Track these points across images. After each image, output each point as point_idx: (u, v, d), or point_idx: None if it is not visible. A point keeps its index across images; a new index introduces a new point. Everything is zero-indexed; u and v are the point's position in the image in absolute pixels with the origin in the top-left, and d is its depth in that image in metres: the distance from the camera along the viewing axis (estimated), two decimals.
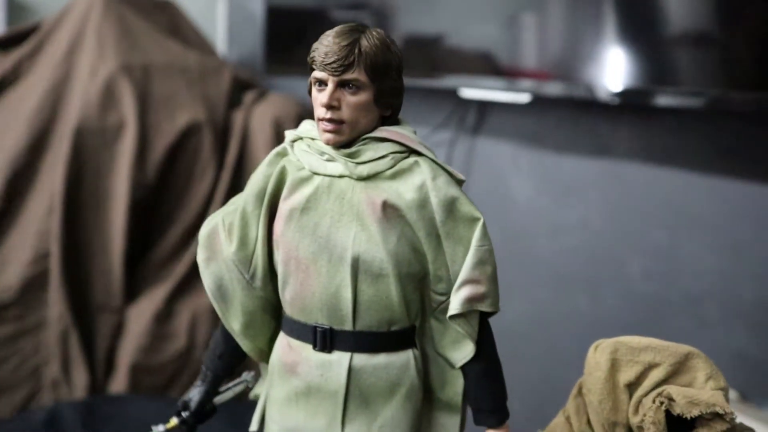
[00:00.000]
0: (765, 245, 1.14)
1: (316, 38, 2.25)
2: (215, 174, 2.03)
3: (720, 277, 1.21)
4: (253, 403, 0.56)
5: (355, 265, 0.46)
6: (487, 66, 1.55)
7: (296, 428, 0.49)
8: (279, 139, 2.08)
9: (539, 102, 1.41)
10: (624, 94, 1.21)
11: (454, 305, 0.47)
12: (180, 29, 2.27)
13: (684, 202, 1.27)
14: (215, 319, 1.86)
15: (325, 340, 0.47)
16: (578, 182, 1.45)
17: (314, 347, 0.48)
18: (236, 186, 2.05)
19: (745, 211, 1.17)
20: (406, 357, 0.49)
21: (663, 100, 1.18)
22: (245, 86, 2.25)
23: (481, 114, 1.70)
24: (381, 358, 0.48)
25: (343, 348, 0.48)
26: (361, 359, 0.47)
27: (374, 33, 0.47)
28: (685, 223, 1.27)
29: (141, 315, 1.83)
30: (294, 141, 0.50)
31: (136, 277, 1.92)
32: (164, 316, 1.84)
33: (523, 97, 1.38)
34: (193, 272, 1.93)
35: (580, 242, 1.47)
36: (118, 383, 1.78)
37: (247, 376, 0.56)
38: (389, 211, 0.46)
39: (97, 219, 1.87)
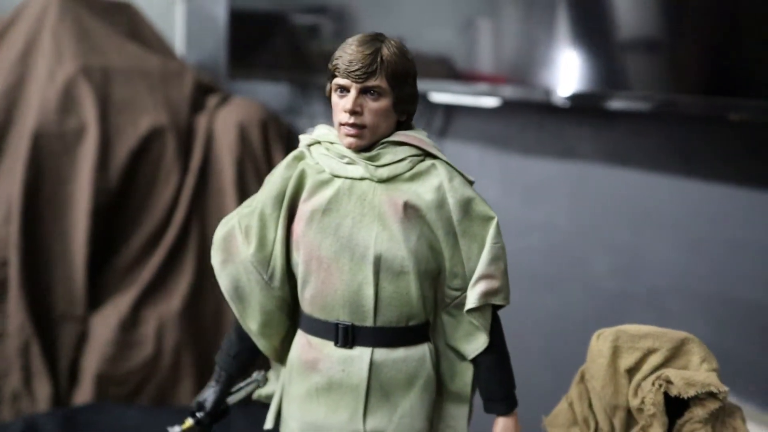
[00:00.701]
0: (722, 241, 1.21)
1: (278, 42, 2.26)
2: (179, 178, 2.00)
3: (680, 272, 1.28)
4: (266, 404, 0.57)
5: (377, 263, 0.48)
6: (445, 70, 1.58)
7: (316, 423, 0.50)
8: (244, 142, 2.08)
9: (505, 106, 1.45)
10: (577, 98, 1.25)
11: (471, 299, 0.49)
12: (139, 32, 2.23)
13: (645, 201, 1.33)
14: (183, 326, 1.85)
15: (347, 336, 0.49)
16: (544, 184, 1.50)
17: (336, 343, 0.49)
18: (201, 190, 2.04)
19: (702, 208, 1.24)
20: (423, 350, 0.51)
21: (615, 103, 1.23)
22: (207, 90, 2.23)
23: (448, 117, 1.73)
24: (400, 352, 0.50)
25: (365, 343, 0.49)
26: (382, 354, 0.49)
27: (392, 42, 0.49)
28: (646, 222, 1.33)
29: (106, 323, 1.79)
30: (310, 145, 0.51)
31: (100, 284, 1.88)
32: (130, 323, 1.80)
33: (492, 102, 1.42)
34: (159, 278, 1.90)
35: (547, 241, 1.52)
36: (83, 394, 1.73)
37: (257, 375, 0.56)
38: (410, 211, 0.48)
39: (58, 226, 1.82)
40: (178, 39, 2.84)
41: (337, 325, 0.49)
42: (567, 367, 1.17)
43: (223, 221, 0.53)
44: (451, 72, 1.55)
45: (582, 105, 1.28)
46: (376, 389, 0.49)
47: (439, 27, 1.64)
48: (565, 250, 1.48)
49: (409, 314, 0.50)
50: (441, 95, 1.59)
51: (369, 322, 0.49)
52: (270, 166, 2.16)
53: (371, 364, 0.49)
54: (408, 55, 0.49)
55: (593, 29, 1.28)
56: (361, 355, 0.49)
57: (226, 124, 2.09)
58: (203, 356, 1.92)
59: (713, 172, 1.22)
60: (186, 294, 1.90)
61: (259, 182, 2.18)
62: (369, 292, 0.48)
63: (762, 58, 1.05)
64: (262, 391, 0.58)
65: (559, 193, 1.48)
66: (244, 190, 2.09)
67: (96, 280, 1.87)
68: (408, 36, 1.73)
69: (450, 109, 1.71)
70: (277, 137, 2.17)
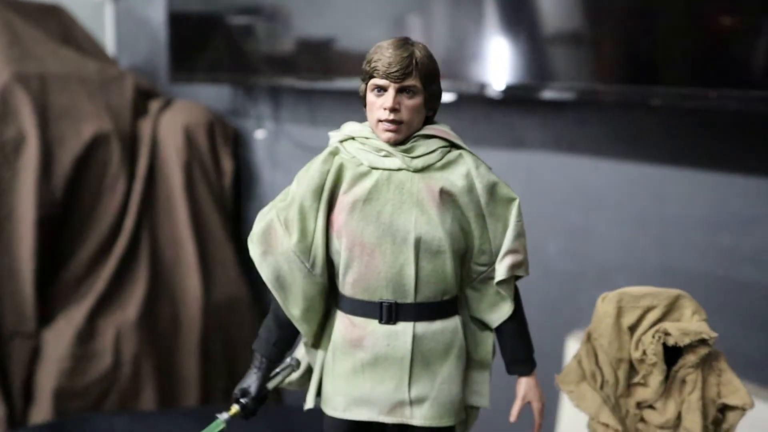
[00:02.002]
0: (663, 218, 1.32)
1: (218, 43, 2.23)
2: (126, 185, 1.96)
3: (627, 250, 1.38)
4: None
5: (417, 245, 0.52)
6: None
7: (363, 396, 0.54)
8: (191, 146, 2.06)
9: (458, 99, 1.52)
10: (510, 90, 1.33)
11: (500, 272, 0.54)
12: (73, 36, 2.16)
13: (591, 185, 1.43)
14: (140, 334, 1.82)
15: (391, 313, 0.53)
16: (496, 173, 1.58)
17: (380, 321, 0.53)
18: (149, 196, 2.00)
19: (644, 189, 1.34)
20: (455, 322, 0.56)
21: (546, 94, 1.32)
22: (148, 95, 2.19)
23: None
24: (437, 325, 0.54)
25: (407, 318, 0.54)
26: (422, 327, 0.54)
27: (421, 45, 0.54)
28: (594, 204, 1.43)
29: (60, 337, 1.74)
30: (343, 141, 0.55)
31: (49, 298, 1.82)
32: (86, 335, 1.76)
33: (449, 97, 1.49)
34: (113, 287, 1.86)
35: None
36: (41, 411, 1.68)
37: (291, 361, 0.59)
38: (445, 196, 0.53)
39: (2, 240, 1.75)
40: (108, 42, 2.76)
41: (381, 303, 0.53)
42: (534, 344, 1.25)
43: (260, 215, 0.56)
44: None
45: (515, 96, 1.35)
46: (419, 360, 0.53)
47: (370, 25, 1.68)
48: None
49: (444, 290, 0.55)
50: None
51: (410, 299, 0.53)
52: (218, 168, 2.15)
53: (414, 336, 0.53)
54: (433, 58, 0.54)
55: (521, 24, 1.35)
56: (405, 329, 0.53)
57: (171, 128, 2.06)
58: (163, 363, 1.90)
59: (651, 155, 1.32)
60: (141, 302, 1.87)
61: (208, 185, 2.16)
62: (410, 271, 0.53)
63: (674, 50, 1.15)
64: (293, 377, 0.61)
65: (511, 181, 1.55)
66: (193, 193, 2.07)
67: (45, 294, 1.81)
68: (340, 35, 1.76)
69: None
70: (223, 140, 2.16)
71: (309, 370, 0.61)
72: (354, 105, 2.10)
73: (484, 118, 1.58)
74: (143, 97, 2.14)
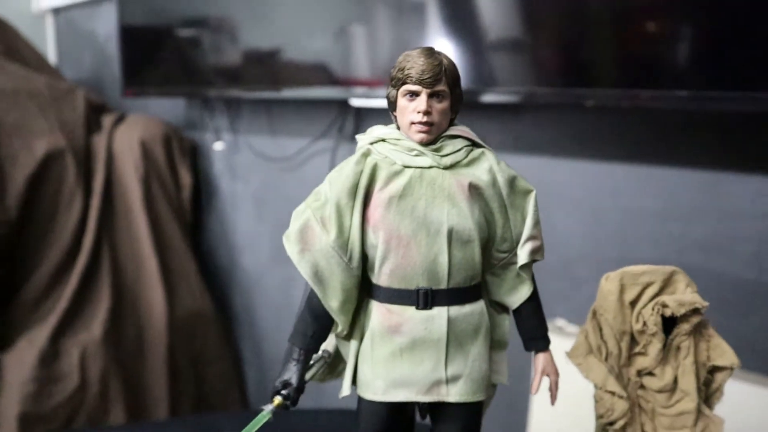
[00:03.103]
0: (619, 211, 1.42)
1: (169, 56, 2.23)
2: (83, 202, 1.93)
3: (586, 242, 1.47)
4: None
5: (450, 236, 0.57)
6: (324, 76, 1.66)
7: (402, 378, 0.58)
8: (148, 160, 2.04)
9: None
10: None
11: (522, 257, 0.60)
12: (17, 50, 2.11)
13: (550, 182, 1.51)
14: (106, 352, 1.79)
15: (427, 299, 0.58)
16: None
17: (417, 307, 0.57)
18: (108, 212, 1.97)
19: (600, 185, 1.44)
20: (482, 305, 0.61)
21: (487, 97, 1.39)
22: (99, 109, 2.16)
23: (359, 119, 1.83)
24: (467, 308, 0.59)
25: (441, 303, 0.58)
26: (455, 310, 0.58)
27: (444, 54, 0.59)
28: (553, 200, 1.52)
29: (22, 361, 1.69)
30: (373, 143, 0.59)
31: (8, 321, 1.76)
32: (50, 357, 1.71)
33: None
34: (76, 306, 1.82)
35: None
36: None
37: (324, 353, 0.63)
38: (473, 190, 0.58)
39: None
40: (49, 56, 2.69)
41: (417, 291, 0.57)
42: None
43: (295, 215, 0.59)
44: (330, 78, 1.64)
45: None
46: (453, 341, 0.58)
47: (314, 35, 1.72)
48: None
49: (473, 275, 0.60)
50: (358, 100, 1.68)
51: (443, 285, 0.58)
52: (176, 181, 2.14)
53: (449, 319, 0.58)
54: (456, 65, 0.59)
55: (462, 32, 1.43)
56: (440, 313, 0.58)
57: (127, 142, 2.04)
58: (130, 380, 1.87)
59: (606, 153, 1.42)
60: (105, 319, 1.84)
61: (167, 199, 2.15)
62: (444, 260, 0.57)
63: (604, 54, 1.25)
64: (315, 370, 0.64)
65: None
66: (153, 207, 2.05)
67: (3, 317, 1.75)
68: (286, 45, 1.80)
69: (361, 111, 1.81)
70: (180, 153, 2.15)
71: (339, 366, 0.65)
72: (308, 113, 2.12)
73: None
74: (95, 112, 2.11)
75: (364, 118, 1.81)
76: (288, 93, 1.77)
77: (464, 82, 1.24)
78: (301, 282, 2.06)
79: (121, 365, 1.84)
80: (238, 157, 2.17)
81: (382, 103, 1.64)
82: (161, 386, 1.94)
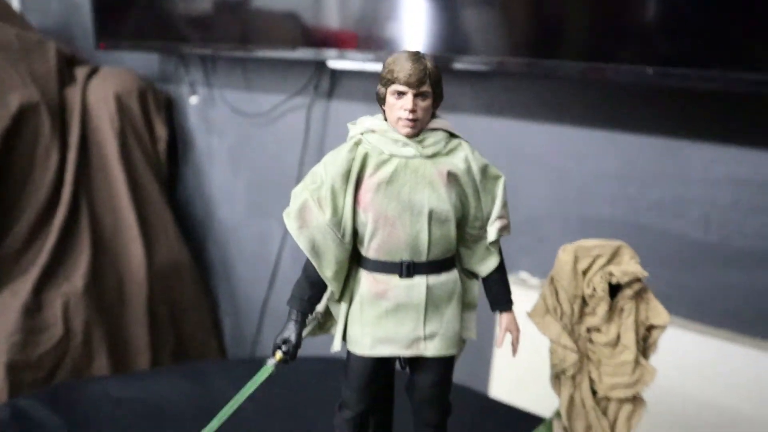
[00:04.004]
0: (581, 173, 1.50)
1: (143, 7, 2.20)
2: (60, 155, 1.94)
3: (551, 201, 1.56)
4: None
5: (430, 216, 0.64)
6: (295, 31, 1.68)
7: (387, 336, 0.66)
8: (123, 113, 2.05)
9: None
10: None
11: (492, 234, 0.68)
12: None
13: (520, 144, 1.59)
14: (88, 303, 1.85)
15: (409, 269, 0.65)
16: None
17: (400, 276, 0.65)
18: (84, 165, 1.99)
19: (564, 148, 1.52)
20: (455, 274, 0.68)
21: (458, 65, 1.45)
22: (71, 62, 2.14)
23: (334, 80, 1.87)
24: (443, 277, 0.67)
25: (421, 273, 0.66)
26: (433, 279, 0.66)
27: (427, 56, 0.65)
28: (522, 162, 1.59)
29: (7, 311, 1.74)
30: (363, 133, 0.66)
31: None
32: (34, 308, 1.76)
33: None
34: (57, 258, 1.86)
35: None
36: None
37: (317, 314, 0.70)
38: (450, 177, 0.65)
39: None
40: (12, 2, 2.61)
41: (401, 263, 0.65)
42: None
43: (294, 195, 0.66)
44: (305, 39, 1.66)
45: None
46: (430, 305, 0.66)
47: None
48: None
49: (448, 249, 0.67)
50: (334, 62, 1.71)
51: (423, 258, 0.66)
52: (152, 135, 2.15)
53: (427, 287, 0.66)
54: (438, 68, 0.65)
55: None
56: (420, 281, 0.66)
57: (101, 95, 2.04)
58: (112, 330, 1.93)
59: (571, 118, 1.49)
60: (86, 271, 1.89)
61: (143, 152, 2.17)
62: (424, 237, 0.65)
63: (571, 28, 1.30)
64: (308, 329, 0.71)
65: None
66: (129, 161, 2.07)
67: None
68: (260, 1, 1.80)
69: (337, 72, 1.84)
70: (156, 106, 2.16)
71: (326, 323, 0.72)
72: (283, 71, 2.13)
73: None
74: (67, 64, 2.09)
75: (340, 78, 1.85)
76: (262, 53, 1.79)
77: (439, 50, 1.29)
78: (275, 235, 2.13)
79: (103, 315, 1.90)
80: (213, 111, 2.19)
81: (357, 65, 1.68)
82: (142, 335, 2.01)
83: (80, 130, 1.98)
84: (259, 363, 0.68)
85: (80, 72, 2.09)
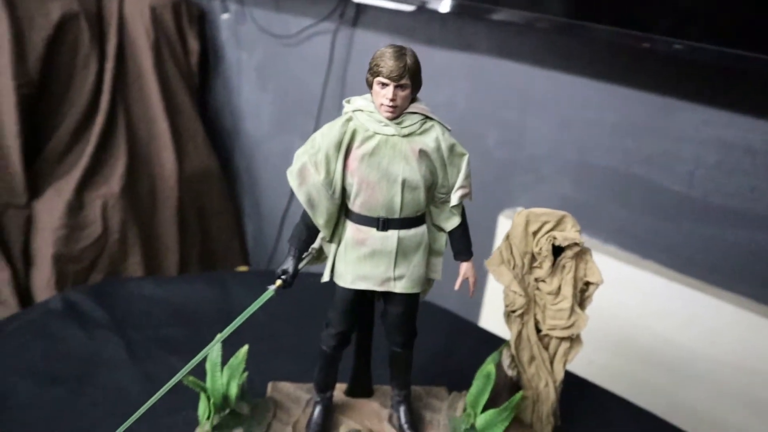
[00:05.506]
0: (583, 121, 1.58)
1: None
2: (99, 64, 2.06)
3: (552, 145, 1.65)
4: None
5: (403, 184, 0.78)
6: None
7: (364, 274, 0.82)
8: (158, 26, 2.14)
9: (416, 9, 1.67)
10: (455, 8, 1.53)
11: (454, 200, 0.81)
12: None
13: (527, 88, 1.65)
14: (124, 205, 2.03)
15: (385, 224, 0.80)
16: (447, 71, 1.78)
17: (377, 229, 0.80)
18: (121, 75, 2.11)
19: (569, 96, 1.58)
20: (423, 229, 0.82)
21: (495, 16, 1.50)
22: None
23: (359, 12, 1.92)
24: (412, 231, 0.81)
25: (394, 227, 0.80)
26: (403, 233, 0.81)
27: (409, 51, 0.75)
28: (528, 105, 1.67)
29: (52, 209, 1.93)
30: (355, 111, 0.77)
31: (35, 174, 1.97)
32: (76, 207, 1.95)
33: (409, 7, 1.64)
34: (96, 162, 2.03)
35: (448, 118, 1.81)
36: (42, 273, 1.91)
37: (312, 251, 0.85)
38: (422, 154, 0.78)
39: None
40: None
41: (378, 219, 0.79)
42: (473, 219, 1.52)
43: (296, 156, 0.79)
44: None
45: (462, 11, 1.53)
46: (400, 253, 0.81)
47: None
48: (463, 125, 1.80)
49: (418, 209, 0.81)
50: None
51: (396, 216, 0.80)
52: (185, 48, 2.25)
53: (398, 238, 0.80)
54: (418, 61, 0.75)
55: None
56: (392, 234, 0.80)
57: (137, 7, 2.12)
58: (145, 231, 2.13)
59: (578, 68, 1.55)
60: (123, 175, 2.05)
61: (176, 64, 2.28)
62: (397, 200, 0.78)
63: None
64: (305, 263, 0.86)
65: (458, 78, 1.77)
66: (163, 72, 2.18)
67: (31, 169, 1.96)
68: None
69: (360, 5, 1.89)
70: (189, 20, 2.24)
71: (321, 256, 0.87)
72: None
73: (438, 21, 1.75)
74: None
75: (364, 9, 1.90)
76: None
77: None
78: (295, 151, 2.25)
79: (137, 216, 2.09)
80: (243, 29, 2.27)
81: (379, 2, 1.73)
82: (172, 235, 2.20)
83: (117, 41, 2.09)
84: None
85: None
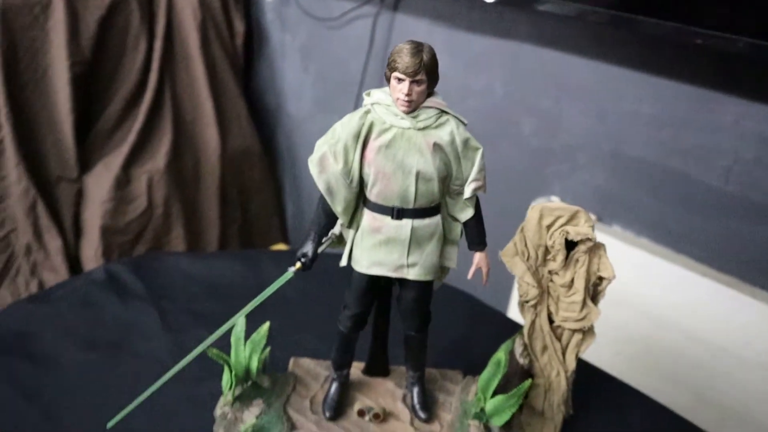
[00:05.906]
0: (619, 112, 1.55)
1: None
2: (147, 44, 2.13)
3: (588, 134, 1.63)
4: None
5: (417, 176, 0.80)
6: None
7: (379, 260, 0.85)
8: (204, 6, 2.19)
9: None
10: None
11: (467, 192, 0.83)
12: None
13: (565, 76, 1.64)
14: (169, 181, 2.11)
15: (399, 213, 0.82)
16: (484, 57, 1.78)
17: (392, 218, 0.83)
18: (169, 55, 2.18)
19: (606, 86, 1.56)
20: (438, 219, 0.85)
21: (542, 7, 1.48)
22: None
23: None
24: (426, 221, 0.84)
25: (408, 217, 0.83)
26: (417, 222, 0.83)
27: (427, 47, 0.77)
28: (564, 93, 1.65)
29: (101, 182, 2.02)
30: (373, 104, 0.80)
31: (87, 147, 2.07)
32: (123, 181, 2.04)
33: None
34: (143, 139, 2.11)
35: (485, 105, 1.83)
36: (90, 244, 2.01)
37: (331, 235, 0.88)
38: (436, 147, 0.80)
39: (41, 96, 1.95)
40: None
41: (393, 208, 0.82)
42: (507, 207, 1.54)
43: (317, 146, 0.82)
44: None
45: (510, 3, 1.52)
46: (414, 241, 0.83)
47: None
48: (499, 112, 1.80)
49: (432, 200, 0.83)
50: None
51: (411, 206, 0.82)
52: (230, 29, 2.30)
53: (412, 227, 0.83)
54: (435, 57, 0.77)
55: None
56: (407, 223, 0.83)
57: None
58: (188, 206, 2.21)
59: (617, 58, 1.53)
60: (168, 152, 2.13)
61: (221, 44, 2.34)
62: (412, 190, 0.81)
63: None
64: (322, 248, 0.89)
65: (496, 65, 1.76)
66: (209, 52, 2.24)
67: (82, 144, 2.06)
68: None
69: None
70: (235, 2, 2.29)
71: (341, 241, 0.91)
72: None
73: (479, 7, 1.74)
74: None
75: None
76: None
77: None
78: None
79: (181, 192, 2.17)
80: (287, 11, 2.30)
81: None
82: (214, 211, 2.28)
83: (165, 22, 2.15)
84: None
85: None
